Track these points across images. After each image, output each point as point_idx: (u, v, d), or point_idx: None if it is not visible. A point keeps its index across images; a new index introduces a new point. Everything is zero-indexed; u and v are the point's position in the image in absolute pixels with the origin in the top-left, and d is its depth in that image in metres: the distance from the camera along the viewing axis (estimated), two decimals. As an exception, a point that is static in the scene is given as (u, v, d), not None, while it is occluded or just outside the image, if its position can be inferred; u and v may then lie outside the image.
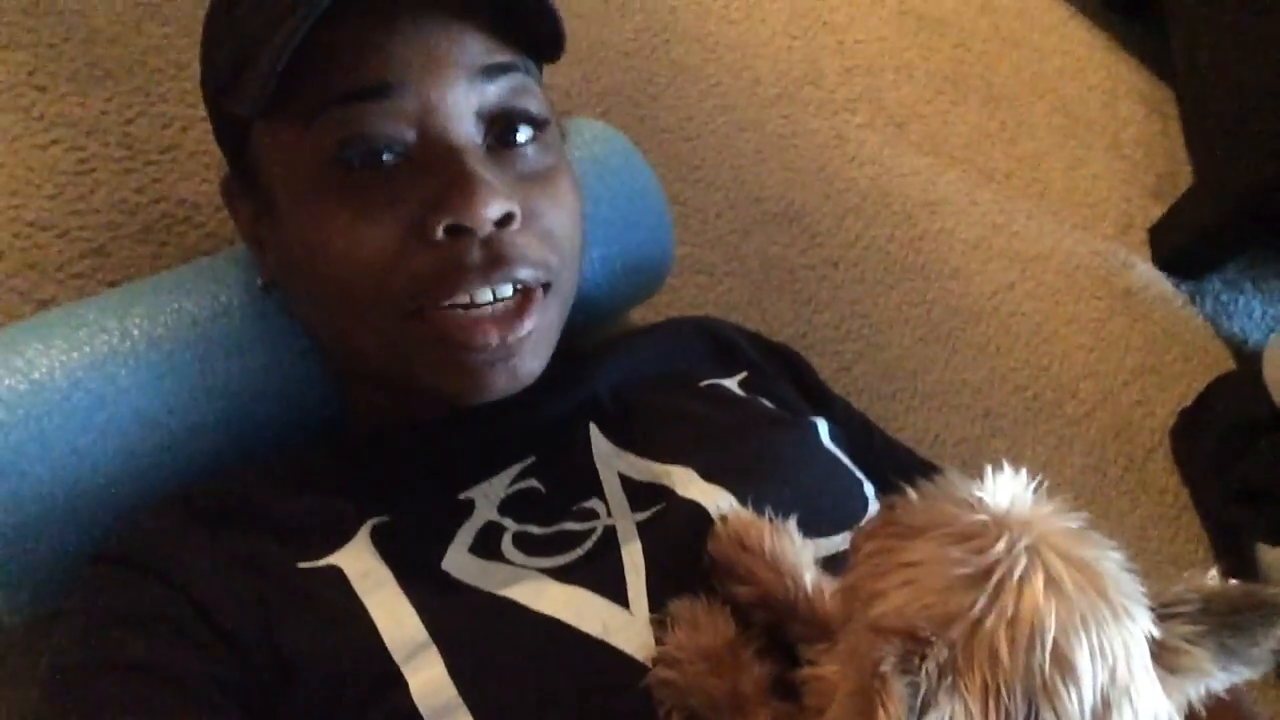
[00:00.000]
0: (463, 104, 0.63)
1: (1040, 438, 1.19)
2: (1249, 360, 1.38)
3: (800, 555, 0.61)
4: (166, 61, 1.06)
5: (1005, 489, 0.46)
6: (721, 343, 0.85)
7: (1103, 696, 0.41)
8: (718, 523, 0.62)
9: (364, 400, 0.74)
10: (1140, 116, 1.65)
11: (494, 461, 0.69)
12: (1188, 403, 1.29)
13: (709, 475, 0.66)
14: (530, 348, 0.66)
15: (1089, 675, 0.41)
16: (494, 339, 0.63)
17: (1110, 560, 0.44)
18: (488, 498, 0.66)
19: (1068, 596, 0.42)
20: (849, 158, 1.34)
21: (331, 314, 0.67)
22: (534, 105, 0.66)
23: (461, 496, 0.67)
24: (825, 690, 0.48)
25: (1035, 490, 0.47)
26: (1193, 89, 1.62)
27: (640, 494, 0.66)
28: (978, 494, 0.45)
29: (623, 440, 0.71)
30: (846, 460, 0.74)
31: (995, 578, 0.42)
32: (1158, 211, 1.51)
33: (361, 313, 0.64)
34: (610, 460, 0.69)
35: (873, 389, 1.14)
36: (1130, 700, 0.42)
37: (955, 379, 1.19)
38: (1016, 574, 0.42)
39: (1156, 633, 0.44)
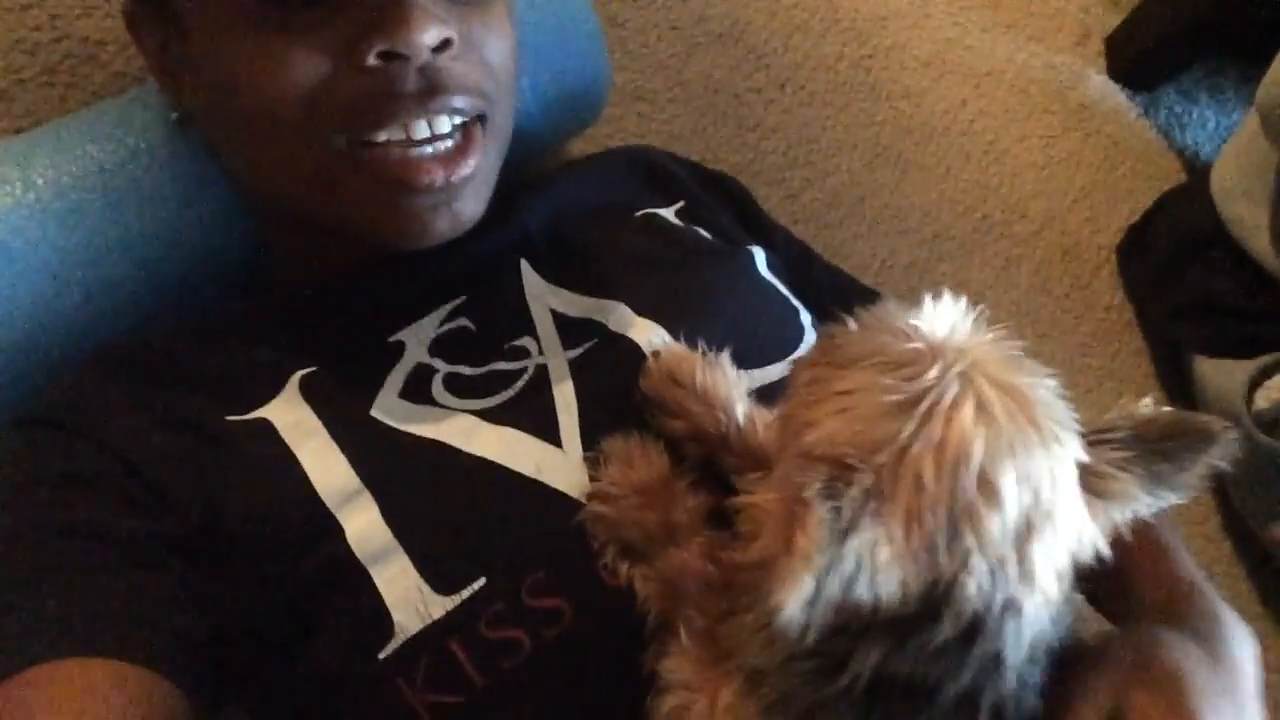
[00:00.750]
0: None
1: (988, 260, 1.19)
2: (1200, 174, 1.37)
3: (733, 388, 0.61)
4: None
5: (943, 317, 0.45)
6: (658, 172, 0.83)
7: (1026, 520, 0.42)
8: (650, 358, 0.61)
9: (288, 246, 0.72)
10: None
11: (423, 302, 0.68)
12: (1136, 218, 1.28)
13: (642, 310, 0.65)
14: (472, 189, 0.65)
15: (1013, 499, 0.41)
16: (438, 179, 0.62)
17: (1043, 388, 0.44)
18: (418, 339, 0.66)
19: (996, 422, 0.42)
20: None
21: (255, 151, 0.64)
22: None
23: (391, 339, 0.66)
24: (758, 518, 0.49)
25: (974, 318, 0.46)
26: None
27: (572, 330, 0.66)
28: (914, 322, 0.45)
29: (554, 276, 0.70)
30: (784, 289, 0.73)
31: (925, 404, 0.42)
32: (1115, 20, 1.46)
33: (288, 148, 0.62)
34: (542, 296, 0.68)
35: (820, 216, 1.12)
36: (1053, 524, 0.42)
37: (904, 203, 1.18)
38: (946, 400, 0.42)
39: (1085, 458, 0.44)
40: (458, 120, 0.63)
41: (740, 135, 1.13)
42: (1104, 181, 1.32)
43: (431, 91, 0.60)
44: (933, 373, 0.42)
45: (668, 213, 0.79)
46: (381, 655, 0.54)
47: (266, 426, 0.60)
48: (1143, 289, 1.23)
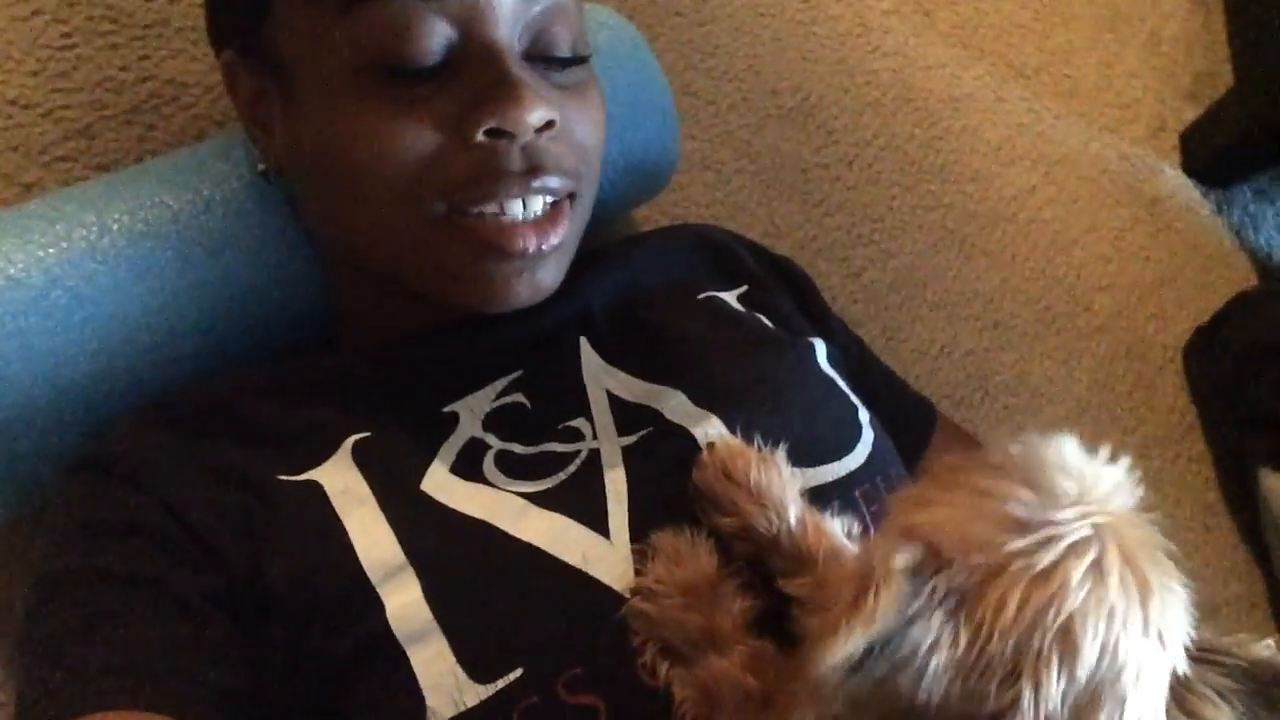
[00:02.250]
0: (508, 9, 0.61)
1: (1049, 352, 1.17)
2: (1273, 276, 1.34)
3: (786, 487, 0.60)
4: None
5: (1109, 474, 0.44)
6: (723, 254, 0.83)
7: (1092, 693, 0.40)
8: (704, 451, 0.61)
9: (358, 305, 0.73)
10: (1183, 11, 1.56)
11: (481, 374, 0.68)
12: (1205, 319, 1.25)
13: (699, 400, 0.65)
14: (555, 259, 0.66)
15: (1088, 666, 0.39)
16: (530, 245, 0.63)
17: (1169, 589, 0.42)
18: (472, 412, 0.65)
19: (1106, 588, 0.40)
20: (871, 48, 1.28)
21: (350, 210, 0.65)
22: (576, 31, 0.66)
23: (446, 410, 0.66)
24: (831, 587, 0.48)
25: (1137, 492, 0.44)
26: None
27: (628, 416, 0.65)
28: (1078, 465, 0.43)
29: (614, 357, 0.69)
30: (843, 384, 0.72)
31: (1046, 533, 0.40)
32: (1192, 114, 1.44)
33: (386, 212, 0.63)
34: (599, 377, 0.68)
35: (881, 297, 1.11)
36: (1122, 712, 0.40)
37: (966, 288, 1.16)
38: (1068, 542, 0.40)
39: (1186, 671, 0.43)
40: (549, 199, 0.65)
41: (805, 211, 1.12)
42: (1173, 279, 1.30)
43: (532, 171, 0.62)
44: (1070, 513, 0.41)
45: (730, 297, 0.78)
46: None
47: (317, 490, 0.60)
48: (1209, 394, 1.20)
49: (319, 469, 0.61)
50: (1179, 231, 1.34)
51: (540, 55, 0.64)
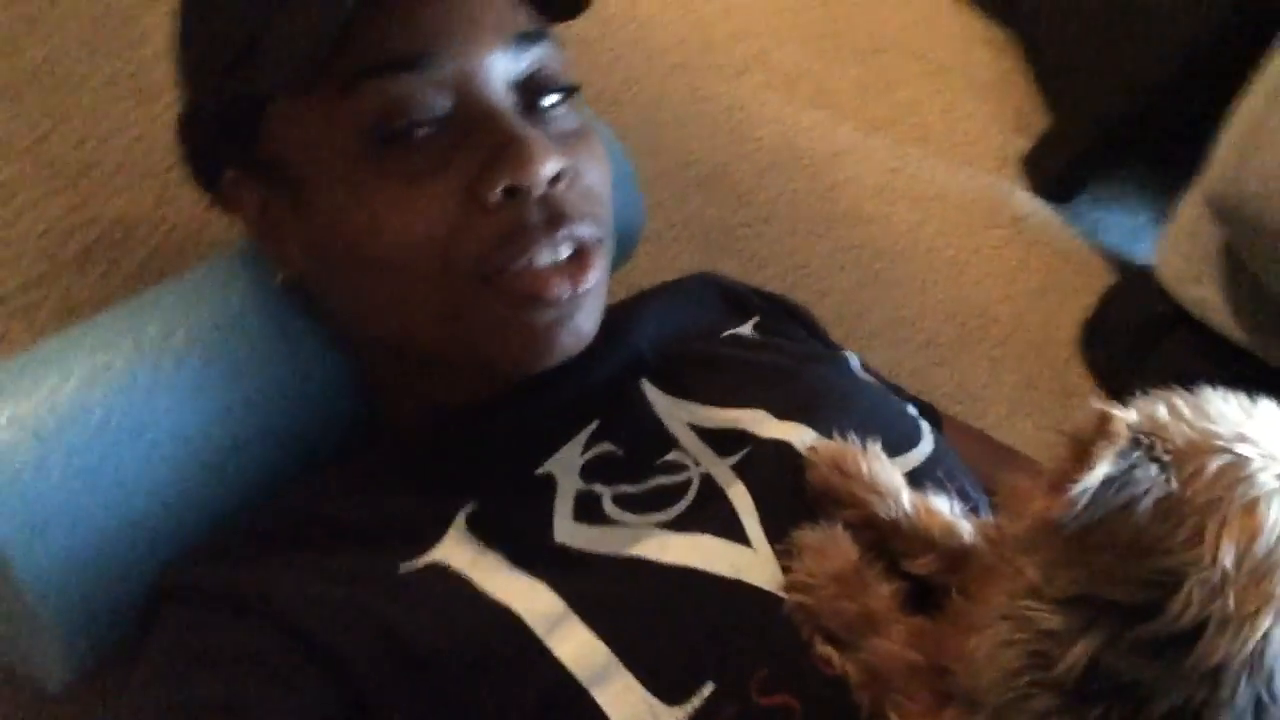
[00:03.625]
0: (499, 70, 0.63)
1: (976, 361, 1.27)
2: (1129, 269, 1.50)
3: (893, 475, 0.64)
4: (60, 77, 0.99)
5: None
6: (728, 293, 0.87)
7: (1267, 566, 0.44)
8: (808, 454, 0.63)
9: (403, 391, 0.72)
10: (990, 59, 1.77)
11: (560, 432, 0.68)
12: (1089, 315, 1.39)
13: (782, 414, 0.67)
14: (590, 304, 0.67)
15: (1267, 541, 0.43)
16: (566, 291, 0.63)
17: None
18: (565, 469, 0.66)
19: None
20: (752, 118, 1.38)
21: (382, 293, 0.65)
22: (563, 71, 0.67)
23: (538, 473, 0.66)
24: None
25: None
26: (1031, 31, 1.75)
27: (718, 441, 0.67)
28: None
29: (678, 392, 0.71)
30: (884, 388, 0.77)
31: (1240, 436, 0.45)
32: (1024, 143, 1.62)
33: (420, 287, 0.62)
34: (673, 413, 0.70)
35: (830, 332, 1.18)
36: None
37: (894, 315, 1.25)
38: (1261, 450, 0.45)
39: None
40: (572, 245, 0.65)
41: (742, 265, 1.19)
42: (1052, 284, 1.44)
43: (555, 222, 0.62)
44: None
45: (746, 329, 0.82)
46: None
47: (442, 569, 0.59)
48: (1112, 377, 1.32)
49: (437, 549, 0.60)
50: (1044, 243, 1.49)
51: (536, 105, 0.65)
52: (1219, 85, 1.22)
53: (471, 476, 0.64)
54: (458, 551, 0.60)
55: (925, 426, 0.72)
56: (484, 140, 0.61)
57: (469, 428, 0.68)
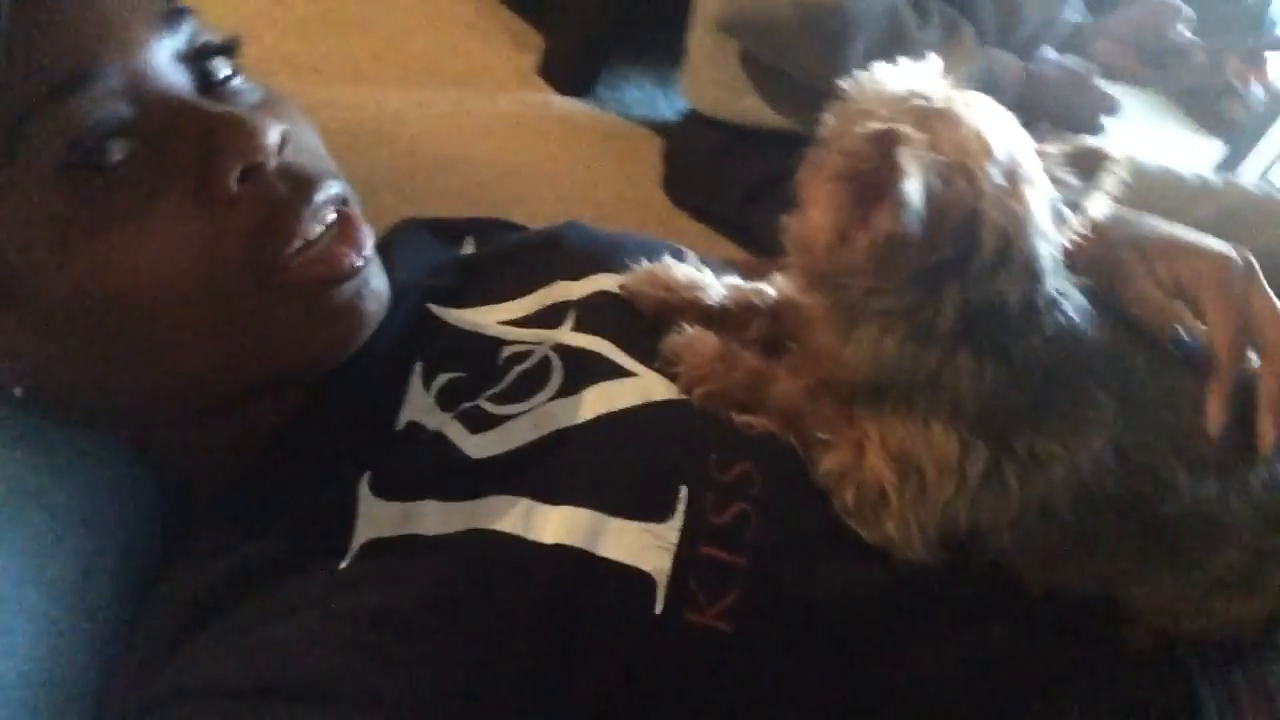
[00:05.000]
0: (164, 55, 0.57)
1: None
2: (668, 124, 1.71)
3: (699, 270, 0.72)
4: None
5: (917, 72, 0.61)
6: (434, 226, 0.91)
7: (1013, 169, 0.58)
8: (625, 289, 0.70)
9: (213, 444, 0.66)
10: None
11: (394, 389, 0.68)
12: (664, 172, 1.58)
13: (575, 275, 0.73)
14: (376, 264, 0.65)
15: (1001, 152, 0.58)
16: (354, 259, 0.60)
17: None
18: (424, 410, 0.66)
19: (977, 114, 0.59)
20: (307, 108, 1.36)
21: (152, 354, 0.57)
22: (217, 36, 0.62)
23: (401, 428, 0.65)
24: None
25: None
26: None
27: (543, 318, 0.71)
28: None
29: (470, 303, 0.73)
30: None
31: (931, 101, 0.58)
32: (531, 58, 1.75)
33: (195, 323, 0.56)
34: (479, 321, 0.72)
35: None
36: (1033, 182, 0.59)
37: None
38: (942, 100, 0.58)
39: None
40: (333, 210, 0.62)
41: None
42: (625, 160, 1.60)
43: (303, 187, 0.59)
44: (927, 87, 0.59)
45: (469, 248, 0.85)
46: (658, 609, 0.56)
47: (382, 541, 0.58)
48: (712, 212, 1.51)
49: (360, 529, 0.59)
50: (597, 131, 1.65)
51: (212, 81, 0.60)
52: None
53: (340, 455, 0.62)
54: (384, 520, 0.58)
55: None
56: (189, 134, 0.55)
57: (303, 432, 0.65)
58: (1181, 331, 0.64)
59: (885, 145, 0.55)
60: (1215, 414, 0.61)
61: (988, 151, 0.57)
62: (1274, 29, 1.94)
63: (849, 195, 0.57)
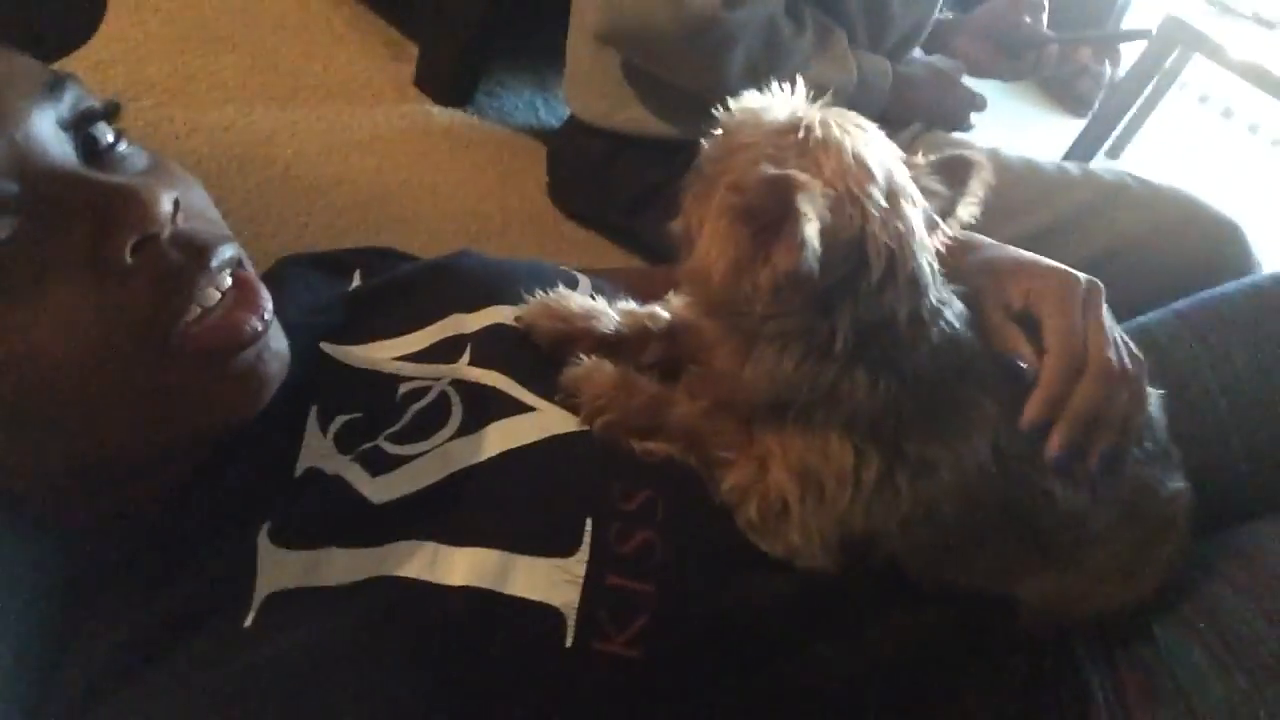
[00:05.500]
0: (48, 129, 0.55)
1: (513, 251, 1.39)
2: (549, 131, 1.71)
3: (591, 300, 0.73)
4: None
5: (789, 99, 0.63)
6: (319, 261, 0.89)
7: (891, 188, 0.61)
8: (520, 321, 0.70)
9: (105, 511, 0.63)
10: (330, 10, 1.82)
11: (289, 434, 0.66)
12: (547, 180, 1.58)
13: (469, 307, 0.73)
14: (275, 326, 0.64)
15: (880, 173, 0.60)
16: (255, 323, 0.59)
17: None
18: (322, 455, 0.65)
19: (851, 137, 0.61)
20: (177, 132, 1.32)
21: (55, 426, 0.55)
22: (98, 101, 0.61)
23: (300, 474, 0.64)
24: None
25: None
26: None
27: (438, 353, 0.70)
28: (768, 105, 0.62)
29: (361, 339, 0.73)
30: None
31: (805, 132, 0.60)
32: (406, 69, 1.73)
33: (101, 391, 0.55)
34: (372, 357, 0.71)
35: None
36: (910, 196, 0.62)
37: (410, 250, 1.31)
38: (819, 129, 0.60)
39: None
40: (228, 274, 0.61)
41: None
42: (507, 170, 1.59)
43: (199, 254, 0.58)
44: (803, 114, 0.61)
45: (357, 280, 0.84)
46: (569, 642, 0.57)
47: (284, 593, 0.57)
48: (596, 217, 1.52)
49: (260, 583, 0.58)
50: (478, 141, 1.64)
51: (97, 149, 0.58)
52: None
53: (238, 508, 0.61)
54: (284, 571, 0.58)
55: (568, 269, 0.82)
56: (78, 207, 0.53)
57: (199, 487, 0.63)
58: (1022, 353, 0.68)
59: (781, 188, 0.57)
60: (1030, 415, 0.66)
61: (869, 175, 0.60)
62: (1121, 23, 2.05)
63: (744, 233, 0.58)
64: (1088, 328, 0.68)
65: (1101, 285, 0.71)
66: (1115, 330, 0.70)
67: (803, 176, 0.56)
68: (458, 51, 1.70)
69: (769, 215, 0.56)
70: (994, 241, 0.75)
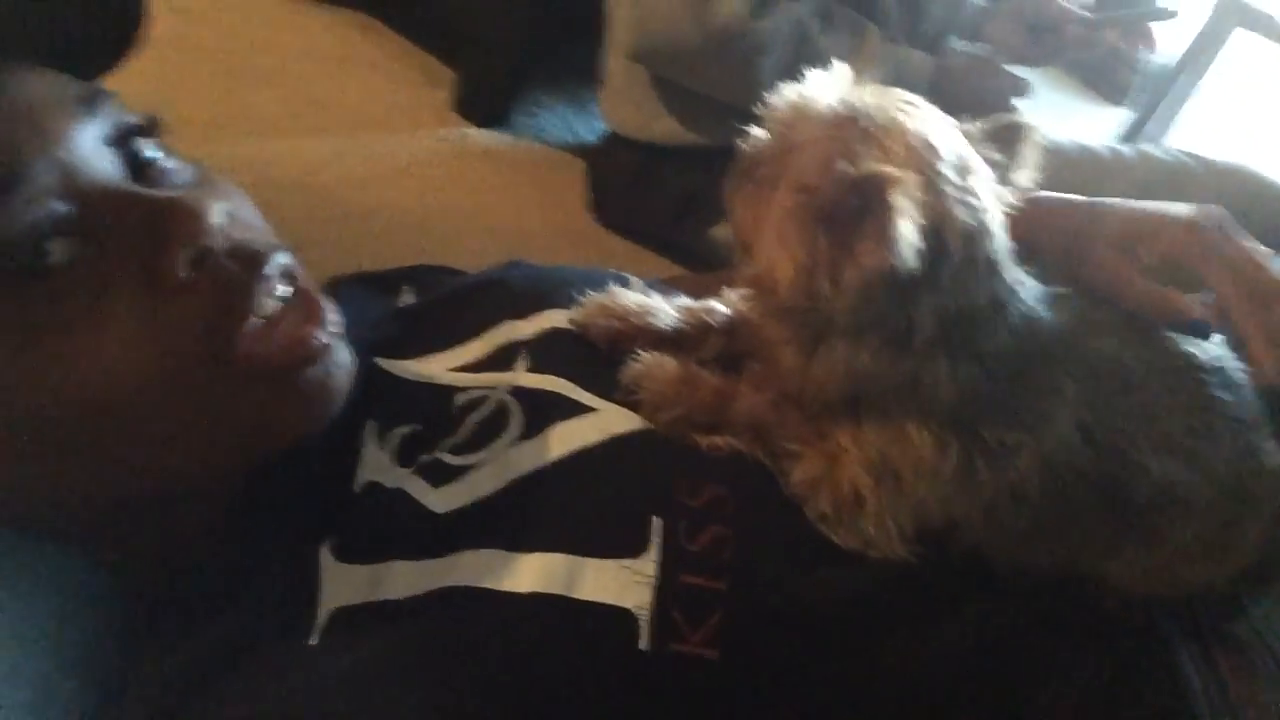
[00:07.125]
0: (89, 144, 0.55)
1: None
2: (587, 147, 1.70)
3: (647, 296, 0.71)
4: None
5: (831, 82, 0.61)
6: (369, 280, 0.88)
7: (961, 164, 0.59)
8: (576, 323, 0.69)
9: (170, 535, 0.62)
10: (361, 39, 1.83)
11: (345, 448, 0.65)
12: (590, 197, 1.57)
13: (521, 314, 0.72)
14: (341, 339, 0.63)
15: (948, 151, 0.58)
16: (320, 337, 0.59)
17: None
18: (382, 469, 0.64)
19: (915, 118, 0.59)
20: (220, 173, 1.32)
21: (120, 451, 0.54)
22: (138, 117, 0.61)
23: (359, 488, 0.63)
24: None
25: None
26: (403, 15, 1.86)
27: (495, 362, 0.69)
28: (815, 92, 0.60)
29: (415, 354, 0.72)
30: None
31: (870, 121, 0.58)
32: (443, 95, 1.73)
33: (166, 411, 0.54)
34: (428, 371, 0.70)
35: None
36: (976, 171, 0.60)
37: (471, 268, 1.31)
38: (879, 115, 0.58)
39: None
40: (286, 283, 0.60)
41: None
42: (546, 188, 1.59)
43: (254, 263, 0.57)
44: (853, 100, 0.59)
45: (410, 297, 0.83)
46: (642, 645, 0.55)
47: (350, 609, 0.56)
48: (642, 231, 1.51)
49: (325, 599, 0.57)
50: (517, 162, 1.64)
51: (142, 165, 0.58)
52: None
53: (298, 527, 0.60)
54: (349, 587, 0.57)
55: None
56: (131, 224, 0.53)
57: (258, 506, 0.62)
58: (1195, 310, 0.64)
59: (867, 186, 0.55)
60: (1264, 364, 0.62)
61: (937, 155, 0.58)
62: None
63: (817, 234, 0.56)
64: (1243, 256, 0.63)
65: (1221, 208, 0.66)
66: (1255, 243, 0.65)
67: (894, 171, 0.54)
68: (496, 74, 1.71)
69: (845, 214, 0.55)
70: (1095, 201, 0.70)
